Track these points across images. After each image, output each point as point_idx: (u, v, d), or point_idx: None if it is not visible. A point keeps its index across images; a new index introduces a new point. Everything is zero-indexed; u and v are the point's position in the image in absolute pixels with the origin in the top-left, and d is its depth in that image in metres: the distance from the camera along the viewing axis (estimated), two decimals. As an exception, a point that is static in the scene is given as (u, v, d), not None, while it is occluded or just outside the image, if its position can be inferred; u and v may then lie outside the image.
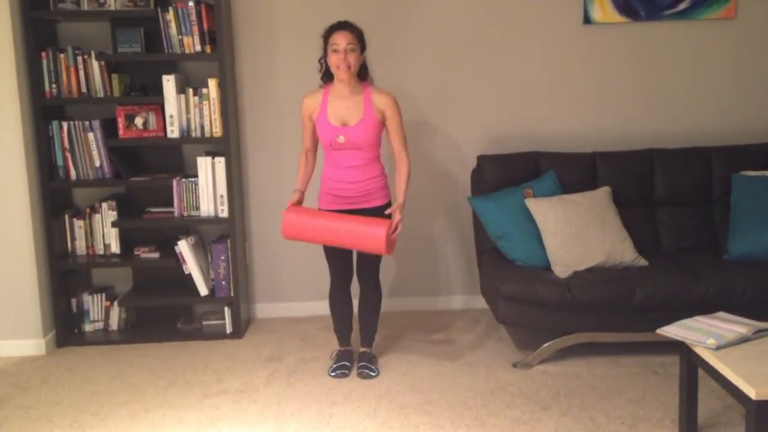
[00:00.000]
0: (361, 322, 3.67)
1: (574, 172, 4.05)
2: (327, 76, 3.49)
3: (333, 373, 3.60)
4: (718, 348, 2.69)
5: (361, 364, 3.62)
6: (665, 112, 4.38)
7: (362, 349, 3.70)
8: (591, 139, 4.33)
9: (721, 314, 3.00)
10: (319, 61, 3.50)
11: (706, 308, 3.28)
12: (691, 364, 2.87)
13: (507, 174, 4.05)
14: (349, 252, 3.57)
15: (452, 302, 4.54)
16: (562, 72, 4.34)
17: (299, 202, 3.47)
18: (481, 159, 4.14)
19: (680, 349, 2.90)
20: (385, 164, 3.57)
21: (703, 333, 2.77)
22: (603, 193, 3.92)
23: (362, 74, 3.48)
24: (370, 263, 3.55)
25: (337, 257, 3.56)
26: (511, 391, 3.41)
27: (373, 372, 3.59)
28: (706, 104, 4.38)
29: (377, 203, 3.48)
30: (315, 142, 3.57)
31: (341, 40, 3.36)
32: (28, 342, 3.95)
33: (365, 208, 3.45)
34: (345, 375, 3.59)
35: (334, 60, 3.36)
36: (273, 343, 4.05)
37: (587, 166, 4.09)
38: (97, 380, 3.63)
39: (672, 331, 2.87)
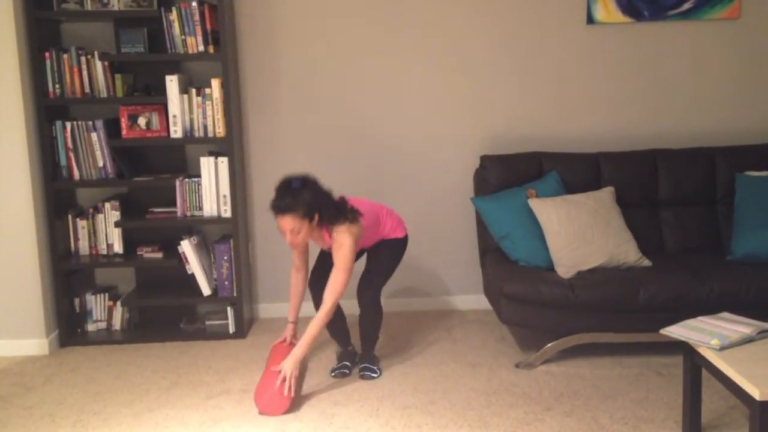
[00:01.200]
0: (360, 333, 3.65)
1: (577, 172, 4.05)
2: None
3: (333, 374, 3.60)
4: (722, 348, 2.68)
5: (362, 365, 3.62)
6: (669, 112, 4.37)
7: (362, 351, 3.70)
8: (594, 139, 4.33)
9: (725, 314, 2.99)
10: None
11: (709, 308, 3.28)
12: (694, 364, 2.87)
13: (510, 174, 4.05)
14: (329, 269, 3.48)
15: (455, 302, 4.53)
16: (566, 72, 4.33)
17: (292, 335, 3.66)
18: (484, 159, 4.13)
19: (684, 349, 2.89)
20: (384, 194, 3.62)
21: (707, 333, 2.76)
22: (606, 194, 3.92)
23: (331, 218, 3.32)
24: (367, 288, 3.56)
25: (319, 280, 3.53)
26: (514, 391, 3.40)
27: (375, 373, 3.58)
28: (709, 104, 4.37)
29: (395, 236, 3.62)
30: (301, 259, 3.63)
31: (283, 225, 3.26)
32: (31, 342, 3.96)
33: (385, 239, 3.60)
34: (345, 375, 3.59)
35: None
36: (276, 344, 4.05)
37: (590, 166, 4.08)
38: (100, 380, 3.63)
39: (675, 331, 2.86)
